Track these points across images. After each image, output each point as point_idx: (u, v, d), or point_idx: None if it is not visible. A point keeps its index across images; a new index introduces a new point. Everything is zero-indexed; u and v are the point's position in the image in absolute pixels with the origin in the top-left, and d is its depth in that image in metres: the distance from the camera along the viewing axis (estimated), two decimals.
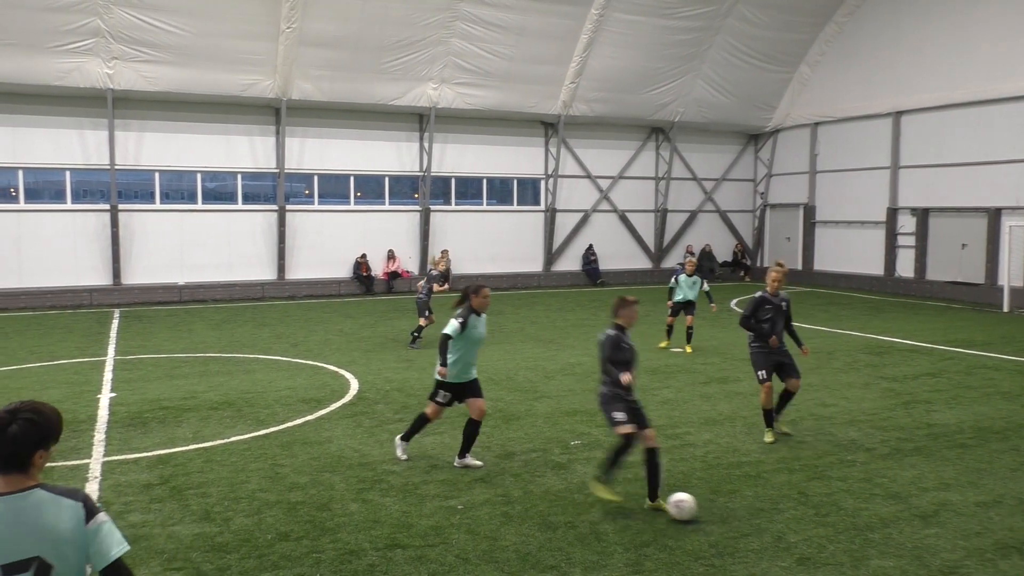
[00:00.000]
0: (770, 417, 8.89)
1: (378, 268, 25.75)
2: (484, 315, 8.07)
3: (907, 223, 25.97)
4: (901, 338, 16.30)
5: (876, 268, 26.97)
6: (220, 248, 24.01)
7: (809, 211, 29.73)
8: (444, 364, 7.86)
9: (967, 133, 23.93)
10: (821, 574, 5.61)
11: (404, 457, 8.16)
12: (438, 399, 8.01)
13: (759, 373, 8.87)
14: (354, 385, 11.73)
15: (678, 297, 15.21)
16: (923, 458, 8.24)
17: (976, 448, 8.59)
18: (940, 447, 8.63)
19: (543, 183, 28.54)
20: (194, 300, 22.98)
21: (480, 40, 24.21)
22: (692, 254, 30.99)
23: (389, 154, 26.01)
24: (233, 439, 8.92)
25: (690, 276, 15.19)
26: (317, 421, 9.71)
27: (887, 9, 26.23)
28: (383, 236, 26.01)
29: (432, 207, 26.68)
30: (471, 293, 7.98)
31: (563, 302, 23.29)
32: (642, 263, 30.34)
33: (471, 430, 7.99)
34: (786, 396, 9.07)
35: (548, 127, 28.09)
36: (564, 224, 28.78)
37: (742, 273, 31.45)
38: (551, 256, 28.51)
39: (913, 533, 6.30)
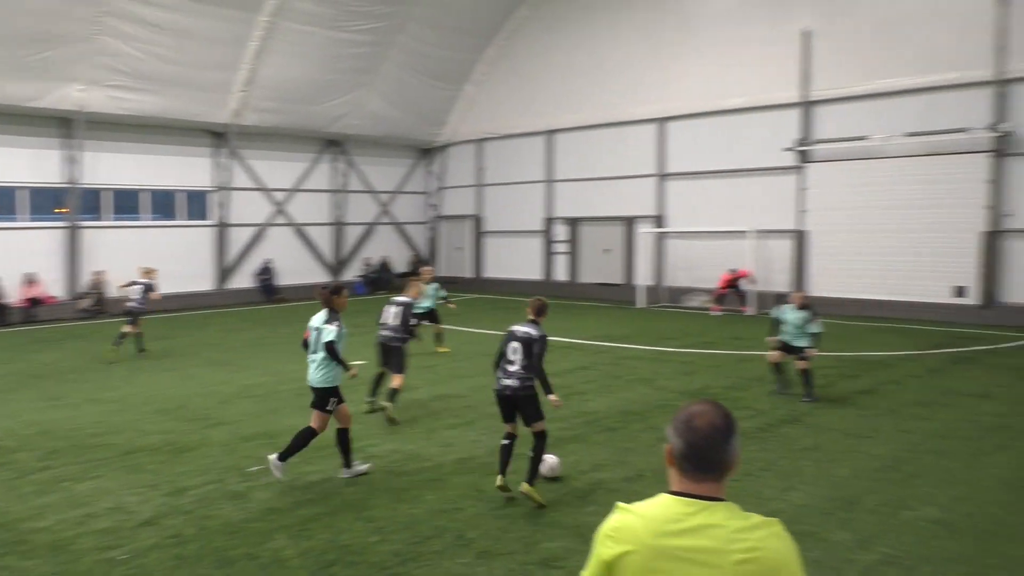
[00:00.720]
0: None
1: (14, 294, 22.41)
2: None
3: (561, 232, 28.73)
4: (559, 336, 17.92)
5: (537, 273, 29.45)
6: None
7: (478, 222, 31.61)
8: (348, 367, 8.04)
9: (606, 150, 27.13)
10: (498, 563, 5.99)
11: (365, 468, 8.22)
12: (328, 408, 8.00)
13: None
14: None
15: (426, 304, 15.43)
16: (580, 444, 9.18)
17: (622, 430, 9.76)
18: (593, 432, 9.67)
19: (212, 196, 26.98)
20: None
21: (136, 40, 22.22)
22: (424, 263, 31.35)
23: (24, 163, 22.75)
24: None
25: (428, 284, 15.67)
26: None
27: (539, 37, 28.83)
28: (19, 257, 22.63)
29: (82, 223, 23.90)
30: (333, 295, 8.13)
31: (239, 321, 22.21)
32: (321, 277, 29.98)
33: (344, 438, 8.06)
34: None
35: (217, 137, 26.64)
36: (237, 239, 27.47)
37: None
38: (224, 273, 27.04)
39: (574, 513, 6.99)
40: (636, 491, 7.48)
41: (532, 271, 29.63)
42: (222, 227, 26.82)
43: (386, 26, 26.44)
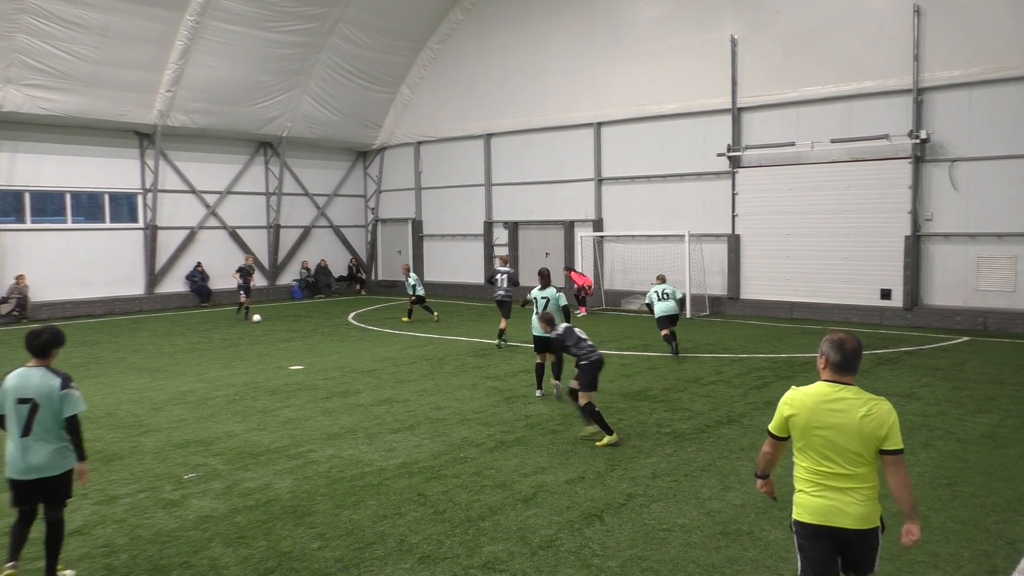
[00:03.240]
0: None
1: None
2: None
3: (501, 235, 28.78)
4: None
5: (478, 277, 29.42)
6: None
7: (417, 225, 31.43)
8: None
9: (544, 155, 27.29)
10: (440, 568, 5.95)
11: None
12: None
13: None
14: None
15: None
16: (523, 447, 9.19)
17: (564, 432, 9.81)
18: (536, 435, 9.70)
19: (141, 198, 26.20)
20: None
21: (54, 38, 21.43)
22: (310, 269, 30.89)
23: None
24: None
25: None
26: None
27: (473, 41, 28.82)
28: None
29: (1, 226, 22.95)
30: (548, 275, 13.21)
31: (170, 326, 21.62)
32: (258, 280, 29.36)
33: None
34: None
35: (144, 138, 25.89)
36: (168, 242, 26.74)
37: (358, 287, 32.13)
38: (154, 277, 26.28)
39: (517, 516, 6.99)
40: (577, 493, 7.53)
41: (473, 274, 29.59)
42: (151, 230, 26.07)
43: (317, 27, 26.08)
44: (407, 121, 31.18)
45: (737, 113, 22.57)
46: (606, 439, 9.12)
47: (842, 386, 4.15)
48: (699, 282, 23.06)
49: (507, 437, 9.63)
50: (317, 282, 30.76)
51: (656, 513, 7.00)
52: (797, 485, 4.29)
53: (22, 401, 5.41)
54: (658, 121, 24.33)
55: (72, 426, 5.50)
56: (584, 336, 9.76)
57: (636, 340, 17.75)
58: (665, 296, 15.58)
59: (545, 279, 12.92)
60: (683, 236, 22.66)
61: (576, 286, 23.45)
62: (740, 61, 22.50)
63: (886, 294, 20.35)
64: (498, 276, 17.87)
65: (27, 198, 23.78)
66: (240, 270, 23.34)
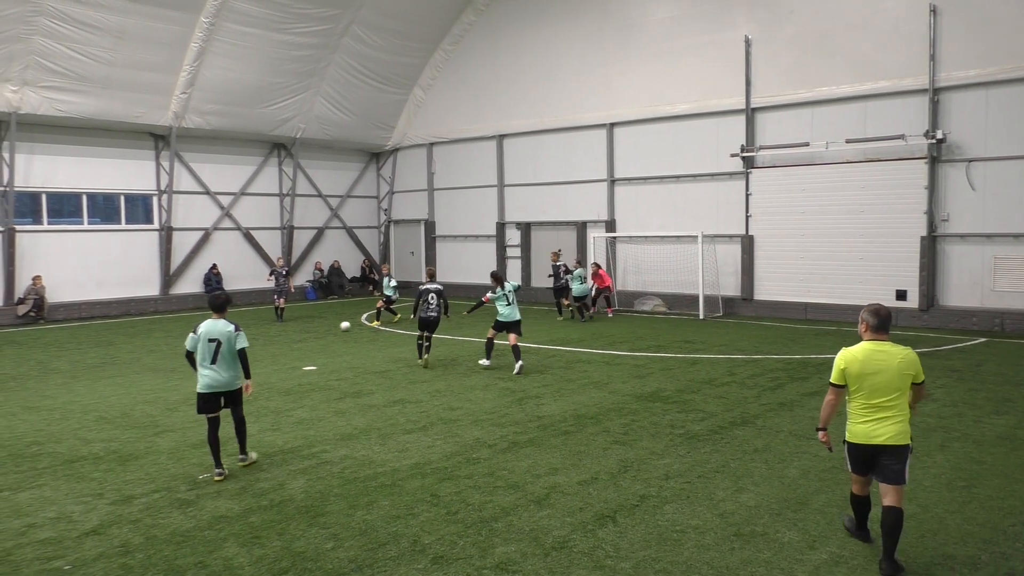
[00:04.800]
0: None
1: None
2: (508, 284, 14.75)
3: (513, 236, 28.77)
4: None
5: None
6: None
7: (430, 226, 31.48)
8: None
9: (557, 156, 27.26)
10: (453, 569, 5.96)
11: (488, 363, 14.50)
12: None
13: None
14: None
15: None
16: (536, 448, 9.19)
17: (576, 433, 9.80)
18: (548, 436, 9.69)
19: (156, 199, 26.38)
20: None
21: (71, 40, 21.61)
22: (323, 270, 31.02)
23: None
24: None
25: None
26: None
27: (486, 42, 28.85)
28: None
29: (18, 227, 23.15)
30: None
31: (185, 327, 21.70)
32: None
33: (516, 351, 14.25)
34: None
35: (159, 139, 26.06)
36: (183, 243, 26.90)
37: (371, 288, 32.21)
38: (169, 278, 26.44)
39: (530, 517, 6.98)
40: (590, 494, 7.52)
41: (485, 275, 29.52)
42: (166, 231, 26.24)
43: (331, 29, 26.16)
44: (420, 122, 31.24)
45: (751, 113, 22.47)
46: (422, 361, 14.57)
47: (881, 342, 5.86)
48: (712, 283, 22.97)
49: (520, 438, 9.62)
50: (330, 283, 30.86)
51: (669, 514, 6.98)
52: (849, 417, 6.00)
53: (211, 340, 8.20)
54: (671, 122, 24.26)
55: (242, 355, 8.33)
56: (432, 302, 14.54)
57: (649, 341, 17.71)
58: (583, 280, 21.99)
59: (499, 280, 14.70)
60: (696, 237, 22.58)
61: (597, 287, 23.26)
62: (754, 61, 22.40)
63: (902, 295, 20.20)
64: (559, 269, 22.79)
65: (44, 199, 23.99)
66: (273, 273, 23.50)
